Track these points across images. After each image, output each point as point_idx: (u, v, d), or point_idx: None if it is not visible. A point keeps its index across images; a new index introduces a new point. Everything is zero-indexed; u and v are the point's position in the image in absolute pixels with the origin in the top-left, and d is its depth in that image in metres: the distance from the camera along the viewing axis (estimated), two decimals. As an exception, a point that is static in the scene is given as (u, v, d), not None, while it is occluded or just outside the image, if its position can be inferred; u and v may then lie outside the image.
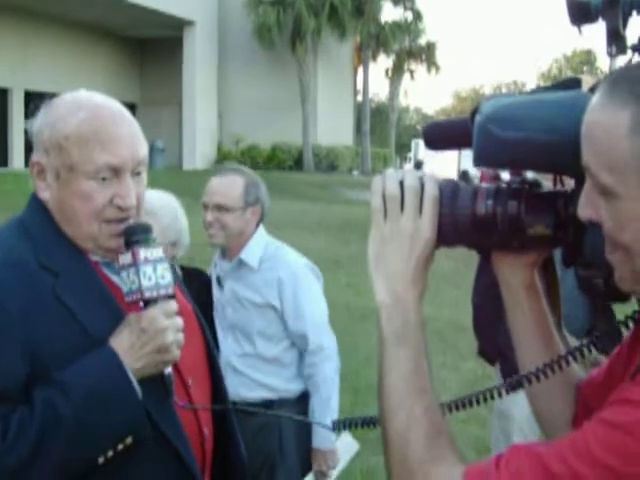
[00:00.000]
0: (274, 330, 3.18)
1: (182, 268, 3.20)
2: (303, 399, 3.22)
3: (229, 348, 3.25)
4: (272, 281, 3.15)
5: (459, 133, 1.28)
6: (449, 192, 1.20)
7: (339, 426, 1.43)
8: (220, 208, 3.13)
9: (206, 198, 3.19)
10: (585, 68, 65.07)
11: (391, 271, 1.19)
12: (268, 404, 3.16)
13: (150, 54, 31.96)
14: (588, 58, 68.10)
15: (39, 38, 25.84)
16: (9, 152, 25.10)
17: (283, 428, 3.17)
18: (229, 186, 3.16)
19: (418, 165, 30.39)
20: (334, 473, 3.27)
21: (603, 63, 66.58)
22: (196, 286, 3.00)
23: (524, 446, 1.02)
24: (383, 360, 1.16)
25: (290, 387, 3.22)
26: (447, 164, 30.62)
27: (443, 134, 1.35)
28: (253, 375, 3.19)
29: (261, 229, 3.27)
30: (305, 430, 3.21)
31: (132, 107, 30.70)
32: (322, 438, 3.17)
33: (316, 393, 3.15)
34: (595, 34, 1.24)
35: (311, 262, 3.35)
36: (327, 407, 3.14)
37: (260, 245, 3.24)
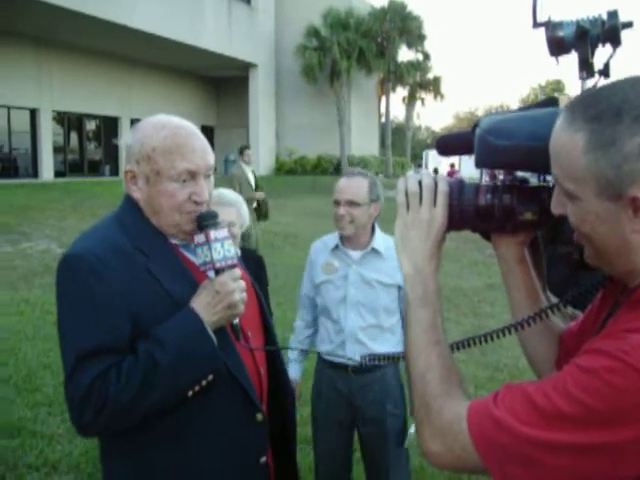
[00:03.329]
0: (394, 305, 3.10)
1: (241, 249, 3.15)
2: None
3: (353, 322, 3.08)
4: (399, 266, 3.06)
5: (463, 143, 1.26)
6: (457, 188, 1.18)
7: (367, 360, 1.46)
8: (351, 204, 3.00)
9: (338, 196, 3.02)
10: (556, 94, 63.93)
11: (413, 250, 1.18)
12: (376, 365, 3.06)
13: (224, 89, 32.06)
14: (558, 86, 67.14)
15: (140, 79, 26.06)
16: (119, 165, 25.41)
17: (389, 381, 3.12)
18: (357, 186, 3.02)
19: (435, 171, 30.23)
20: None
21: (570, 90, 65.65)
22: (251, 263, 2.97)
23: (516, 385, 1.00)
24: (408, 318, 1.16)
25: (395, 351, 3.14)
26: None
27: (451, 144, 1.33)
28: (370, 345, 3.05)
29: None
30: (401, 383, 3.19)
31: (211, 129, 30.97)
32: None
33: None
34: (564, 67, 1.22)
35: None
36: None
37: (381, 236, 3.14)
